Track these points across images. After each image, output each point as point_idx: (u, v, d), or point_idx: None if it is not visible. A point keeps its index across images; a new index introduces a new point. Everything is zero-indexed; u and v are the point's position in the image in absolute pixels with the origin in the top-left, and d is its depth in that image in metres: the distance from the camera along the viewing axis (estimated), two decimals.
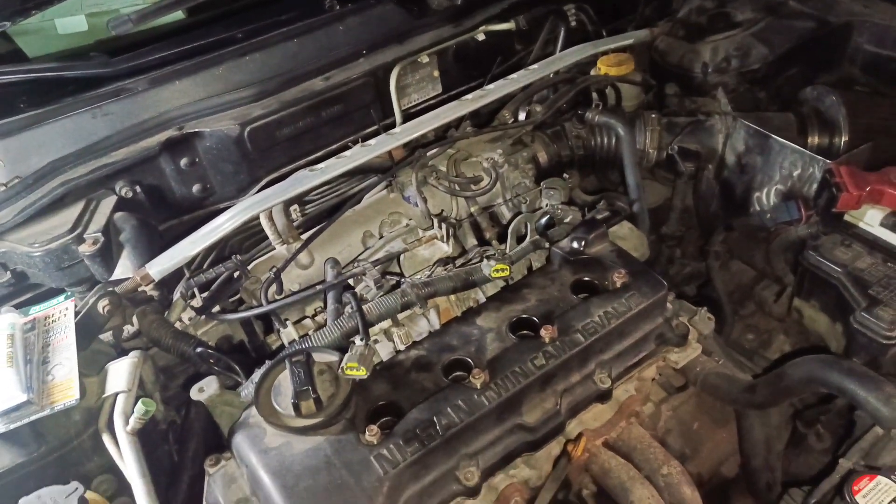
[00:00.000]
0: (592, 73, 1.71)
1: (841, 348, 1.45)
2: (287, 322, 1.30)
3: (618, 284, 1.30)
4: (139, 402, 1.05)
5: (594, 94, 1.68)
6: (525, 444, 1.20)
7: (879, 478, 1.08)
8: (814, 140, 1.58)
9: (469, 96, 1.54)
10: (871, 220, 1.43)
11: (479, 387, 1.14)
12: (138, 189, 1.39)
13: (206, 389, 1.14)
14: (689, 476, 1.28)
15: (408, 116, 1.57)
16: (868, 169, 1.46)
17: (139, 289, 1.23)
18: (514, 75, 1.59)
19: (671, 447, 1.47)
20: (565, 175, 1.54)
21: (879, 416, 1.16)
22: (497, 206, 1.51)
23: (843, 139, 1.57)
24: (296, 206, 1.49)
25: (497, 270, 1.29)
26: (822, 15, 1.80)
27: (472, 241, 1.46)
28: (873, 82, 1.75)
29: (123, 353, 1.18)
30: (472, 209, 1.49)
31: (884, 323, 1.31)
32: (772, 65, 1.73)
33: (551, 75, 1.67)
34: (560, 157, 1.63)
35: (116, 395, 1.09)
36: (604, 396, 1.28)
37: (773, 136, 1.53)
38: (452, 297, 1.41)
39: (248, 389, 1.14)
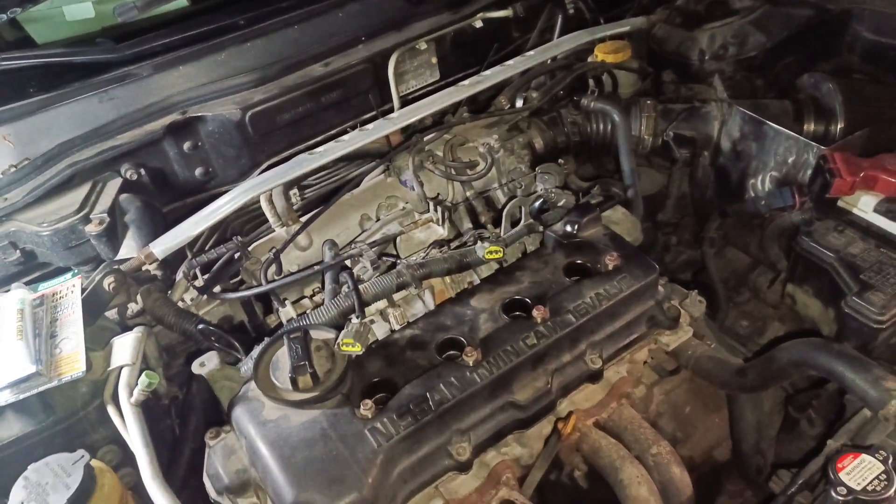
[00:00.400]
0: (589, 60, 1.74)
1: (833, 333, 1.48)
2: (286, 301, 1.34)
3: (610, 267, 1.33)
4: (143, 375, 1.09)
5: (591, 81, 1.71)
6: (516, 422, 1.24)
7: (864, 456, 1.10)
8: (810, 127, 1.60)
9: (466, 82, 1.57)
10: (864, 206, 1.45)
11: (471, 364, 1.18)
12: (143, 172, 1.44)
13: (207, 364, 1.19)
14: (678, 456, 1.31)
15: (406, 102, 1.61)
16: (863, 156, 1.48)
17: (143, 267, 1.28)
18: (510, 62, 1.62)
19: (663, 430, 1.50)
20: (560, 161, 1.58)
21: (867, 398, 1.19)
22: (492, 190, 1.55)
23: (840, 126, 1.59)
24: (295, 191, 1.53)
25: (491, 252, 1.33)
26: (820, 2, 1.80)
27: (467, 224, 1.50)
28: (872, 70, 1.76)
29: (128, 329, 1.23)
30: (468, 193, 1.53)
31: (875, 308, 1.34)
32: (769, 52, 1.74)
33: (548, 62, 1.70)
34: (556, 143, 1.66)
35: (121, 368, 1.14)
36: (595, 377, 1.32)
37: (767, 122, 1.55)
38: (447, 278, 1.45)
39: (247, 365, 1.19)
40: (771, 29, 1.76)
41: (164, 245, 1.29)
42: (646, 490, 1.23)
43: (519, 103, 1.67)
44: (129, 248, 1.32)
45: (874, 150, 1.50)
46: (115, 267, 1.24)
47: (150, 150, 1.46)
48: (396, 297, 1.38)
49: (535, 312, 1.26)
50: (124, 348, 1.15)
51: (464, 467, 1.16)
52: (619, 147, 1.59)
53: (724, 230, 1.69)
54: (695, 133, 1.67)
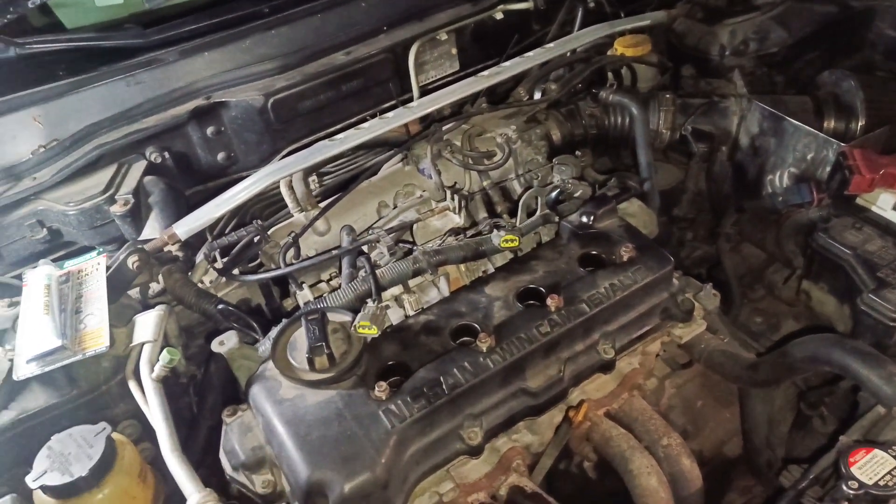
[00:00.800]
0: (609, 53, 1.72)
1: (848, 330, 1.45)
2: (303, 285, 1.35)
3: (624, 258, 1.32)
4: (164, 351, 1.10)
5: (610, 74, 1.69)
6: (528, 409, 1.23)
7: (876, 451, 1.08)
8: (830, 124, 1.57)
9: (485, 73, 1.56)
10: (883, 203, 1.43)
11: (484, 350, 1.18)
12: (167, 155, 1.45)
13: (226, 343, 1.20)
14: (688, 448, 1.30)
15: (425, 92, 1.60)
16: (883, 153, 1.45)
17: (165, 248, 1.30)
18: (530, 53, 1.61)
19: (674, 424, 1.48)
20: (578, 153, 1.56)
21: (881, 394, 1.17)
22: (509, 180, 1.54)
23: (860, 124, 1.56)
24: (314, 177, 1.53)
25: (506, 241, 1.33)
26: None
27: (483, 213, 1.49)
28: (894, 68, 1.72)
29: (149, 308, 1.24)
30: (485, 183, 1.52)
31: (891, 305, 1.31)
32: (790, 49, 1.71)
33: (567, 55, 1.68)
34: (573, 135, 1.65)
35: (143, 344, 1.15)
36: (607, 367, 1.30)
37: (787, 118, 1.52)
38: (462, 267, 1.45)
39: (265, 345, 1.20)
40: (793, 25, 1.72)
41: (187, 226, 1.30)
42: (655, 481, 1.22)
43: (537, 95, 1.65)
44: (152, 229, 1.33)
45: (894, 146, 1.47)
46: (139, 247, 1.25)
47: (174, 134, 1.47)
48: (412, 283, 1.38)
49: (549, 301, 1.25)
50: (147, 325, 1.16)
51: (475, 452, 1.16)
52: (636, 140, 1.57)
53: (741, 226, 1.66)
54: (713, 128, 1.65)
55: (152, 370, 1.11)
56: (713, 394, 1.54)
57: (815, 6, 1.77)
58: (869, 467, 1.07)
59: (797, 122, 1.51)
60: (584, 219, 1.38)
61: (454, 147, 1.54)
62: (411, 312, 1.35)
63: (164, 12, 1.61)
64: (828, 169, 1.47)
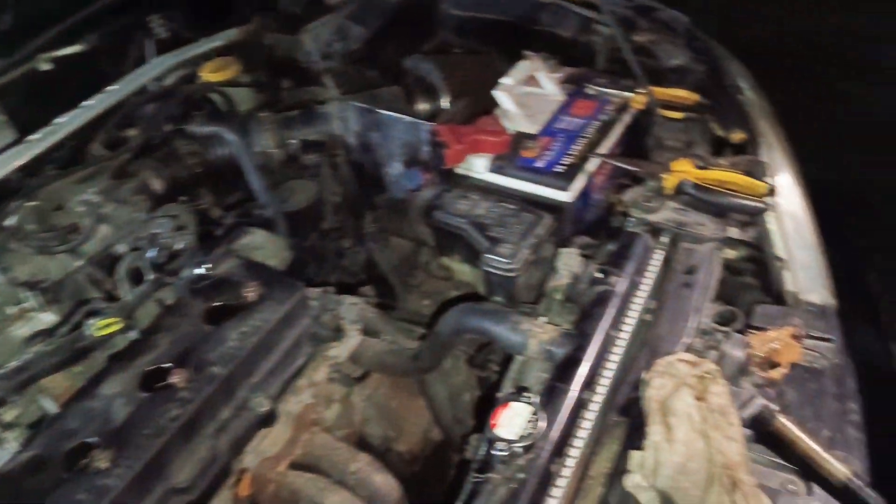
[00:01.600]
0: (199, 82, 1.61)
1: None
2: None
3: (251, 299, 1.26)
4: None
5: (203, 105, 1.59)
6: None
7: (511, 404, 1.11)
8: (421, 106, 1.70)
9: (36, 135, 1.34)
10: (478, 168, 1.58)
11: (104, 468, 1.02)
12: None
13: None
14: (378, 464, 1.30)
15: None
16: (467, 122, 1.61)
17: None
18: (89, 101, 1.42)
19: (374, 435, 1.49)
20: (183, 198, 1.44)
21: (512, 344, 1.28)
22: (108, 251, 1.35)
23: (445, 100, 1.72)
24: None
25: (103, 327, 1.16)
26: None
27: (88, 295, 1.29)
28: (465, 42, 1.94)
29: None
30: (78, 263, 1.31)
31: (505, 258, 1.43)
32: (371, 42, 1.81)
33: (147, 92, 1.53)
34: (177, 179, 1.52)
35: None
36: (267, 420, 1.24)
37: (379, 110, 1.60)
38: (80, 367, 1.23)
39: None
40: (367, 20, 1.82)
41: None
42: None
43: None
44: None
45: (477, 115, 1.64)
46: None
47: None
48: (6, 416, 1.13)
49: (173, 378, 1.13)
50: None
51: None
52: (243, 168, 1.50)
53: (381, 221, 1.72)
54: (320, 135, 1.66)
55: None
56: (405, 388, 1.58)
57: None
58: (510, 422, 1.10)
59: (389, 112, 1.60)
60: (200, 270, 1.28)
61: (24, 232, 1.29)
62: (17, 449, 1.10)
63: None
64: (425, 149, 1.59)
